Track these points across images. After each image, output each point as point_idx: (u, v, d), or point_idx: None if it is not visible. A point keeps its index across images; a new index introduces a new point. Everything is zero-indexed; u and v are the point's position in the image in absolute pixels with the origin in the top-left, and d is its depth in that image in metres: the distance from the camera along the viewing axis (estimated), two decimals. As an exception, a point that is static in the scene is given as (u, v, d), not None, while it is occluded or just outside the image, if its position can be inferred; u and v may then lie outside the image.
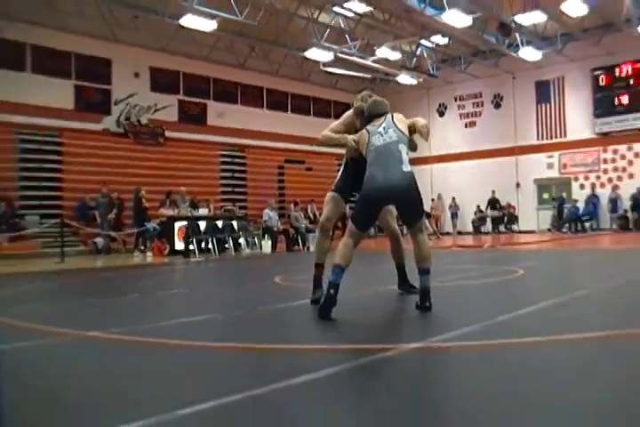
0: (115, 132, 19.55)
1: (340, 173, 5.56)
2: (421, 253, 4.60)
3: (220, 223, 15.29)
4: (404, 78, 24.25)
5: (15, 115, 16.95)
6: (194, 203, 16.57)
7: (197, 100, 22.18)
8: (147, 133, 20.14)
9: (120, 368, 3.08)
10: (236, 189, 21.09)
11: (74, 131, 18.24)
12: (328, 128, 5.32)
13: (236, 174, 22.15)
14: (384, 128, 4.83)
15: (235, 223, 15.82)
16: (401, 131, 4.83)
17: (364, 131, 4.90)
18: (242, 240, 15.82)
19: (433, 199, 25.03)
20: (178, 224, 15.01)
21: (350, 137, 5.05)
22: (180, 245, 14.70)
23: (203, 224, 14.88)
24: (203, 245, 14.88)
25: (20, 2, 17.26)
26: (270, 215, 15.91)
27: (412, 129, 4.88)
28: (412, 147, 4.97)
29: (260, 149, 22.86)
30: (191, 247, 14.31)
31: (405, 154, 4.71)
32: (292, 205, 17.97)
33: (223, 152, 22.16)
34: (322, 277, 5.06)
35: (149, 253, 14.71)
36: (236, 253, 15.11)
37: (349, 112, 5.32)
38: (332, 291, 4.28)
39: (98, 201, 15.91)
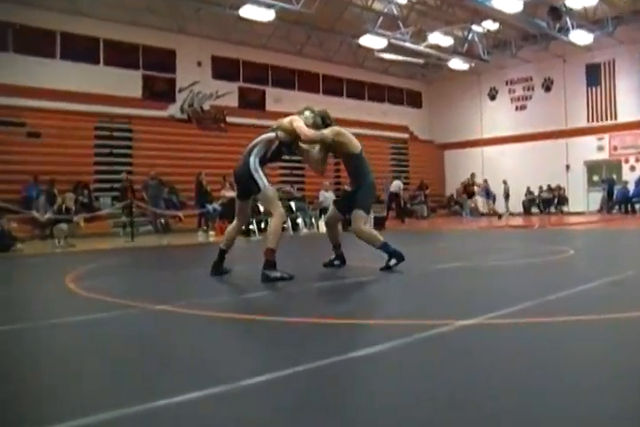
0: (179, 118, 19.83)
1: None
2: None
3: (278, 204, 15.31)
4: (456, 63, 23.72)
5: (93, 104, 17.35)
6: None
7: (256, 86, 22.28)
8: (209, 119, 20.35)
9: (190, 340, 3.10)
10: (295, 172, 21.10)
11: (143, 118, 18.55)
12: (304, 128, 5.49)
13: (295, 157, 22.11)
14: None
15: (293, 204, 15.83)
16: None
17: (341, 129, 5.64)
18: (299, 220, 15.84)
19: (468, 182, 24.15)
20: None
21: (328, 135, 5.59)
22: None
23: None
24: (262, 225, 14.99)
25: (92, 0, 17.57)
26: (326, 196, 15.89)
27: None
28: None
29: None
30: (251, 227, 14.42)
31: None
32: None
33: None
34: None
35: (212, 233, 14.90)
36: (295, 232, 15.15)
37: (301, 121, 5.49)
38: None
39: (147, 183, 15.89)
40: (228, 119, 20.61)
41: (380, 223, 15.63)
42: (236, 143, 20.18)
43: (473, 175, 23.90)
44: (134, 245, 11.59)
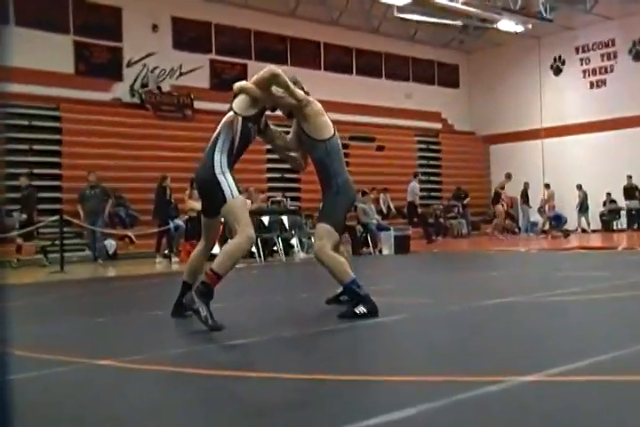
0: (128, 103, 19.95)
1: None
2: None
3: (266, 220, 15.44)
4: (507, 25, 23.86)
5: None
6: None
7: (235, 59, 22.50)
8: (170, 104, 20.51)
9: (138, 399, 3.15)
10: (287, 176, 21.20)
11: (75, 102, 18.58)
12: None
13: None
14: None
15: (285, 219, 15.93)
16: None
17: (313, 101, 5.79)
18: (294, 241, 15.93)
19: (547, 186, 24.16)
20: (211, 221, 15.20)
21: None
22: (216, 248, 14.86)
23: (244, 221, 14.97)
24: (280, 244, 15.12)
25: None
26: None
27: None
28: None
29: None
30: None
31: None
32: (359, 196, 17.96)
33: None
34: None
35: (175, 259, 15.00)
36: (288, 257, 15.23)
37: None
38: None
39: (84, 192, 15.91)
40: (196, 104, 20.75)
41: (402, 246, 15.69)
42: (206, 137, 20.27)
43: (526, 186, 23.86)
44: (65, 278, 11.63)
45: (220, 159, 5.26)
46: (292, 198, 20.25)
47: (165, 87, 20.64)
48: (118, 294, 9.38)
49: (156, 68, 20.57)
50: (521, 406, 2.85)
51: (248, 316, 6.24)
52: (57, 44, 18.91)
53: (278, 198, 18.54)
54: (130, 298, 8.72)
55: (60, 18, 19.14)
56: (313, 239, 16.00)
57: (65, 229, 14.19)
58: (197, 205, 15.77)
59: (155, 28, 20.88)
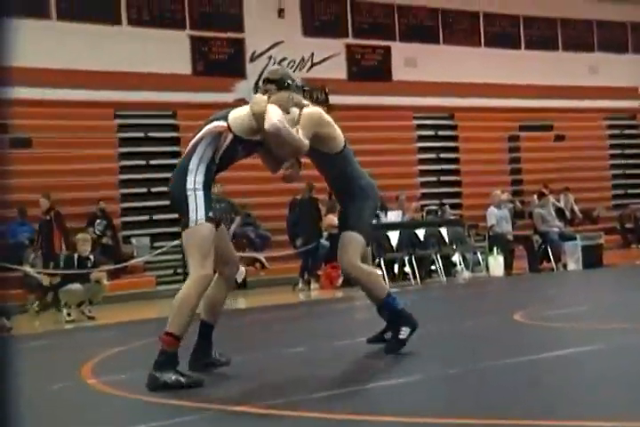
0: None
1: None
2: None
3: (421, 233, 15.33)
4: None
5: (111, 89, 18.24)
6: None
7: (375, 42, 22.55)
8: (302, 101, 20.71)
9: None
10: (444, 179, 21.06)
11: (193, 106, 19.05)
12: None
13: (442, 155, 22.19)
14: None
15: (444, 232, 15.80)
16: None
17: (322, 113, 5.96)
18: (456, 257, 15.81)
19: None
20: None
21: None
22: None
23: (395, 236, 14.97)
24: (396, 267, 15.02)
25: None
26: (498, 216, 15.71)
27: None
28: None
29: (477, 111, 22.73)
30: (379, 272, 14.44)
31: None
32: (534, 198, 17.60)
33: (419, 121, 22.30)
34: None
35: (315, 285, 15.22)
36: (448, 277, 15.13)
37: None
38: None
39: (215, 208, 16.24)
40: (332, 99, 20.84)
41: (593, 258, 15.25)
42: (347, 138, 20.35)
43: None
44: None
45: (195, 172, 5.20)
46: (452, 206, 19.93)
47: (296, 82, 20.78)
48: (252, 328, 9.55)
49: (283, 59, 20.84)
50: None
51: (402, 351, 6.22)
52: (172, 41, 19.59)
53: (435, 207, 18.41)
54: (266, 333, 8.87)
55: (175, 11, 19.86)
56: (479, 255, 15.97)
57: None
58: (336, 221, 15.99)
59: (281, 12, 21.16)
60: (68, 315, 11.77)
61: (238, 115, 5.37)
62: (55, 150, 17.70)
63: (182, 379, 4.93)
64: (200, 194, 5.14)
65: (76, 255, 12.31)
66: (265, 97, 5.45)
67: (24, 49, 16.64)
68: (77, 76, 17.69)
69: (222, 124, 5.31)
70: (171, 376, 4.91)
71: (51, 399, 5.17)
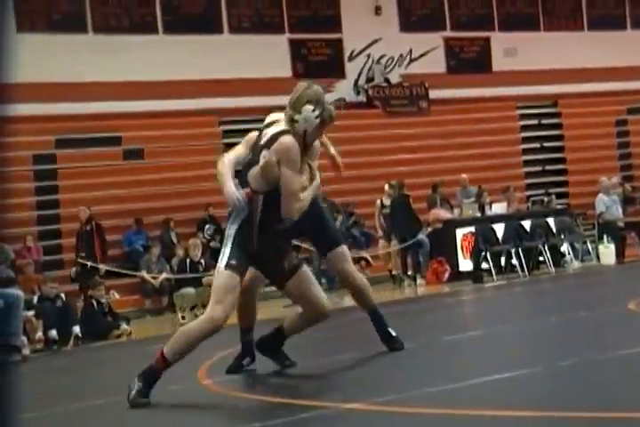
0: (353, 102, 20.51)
1: None
2: None
3: (527, 224, 15.30)
4: None
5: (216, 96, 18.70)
6: (481, 195, 16.68)
7: (474, 33, 22.46)
8: (401, 98, 20.75)
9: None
10: (549, 168, 20.86)
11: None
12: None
13: (546, 143, 21.91)
14: None
15: (552, 222, 15.73)
16: None
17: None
18: (565, 247, 15.70)
19: None
20: (461, 231, 15.36)
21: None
22: (465, 265, 15.09)
23: (500, 228, 14.97)
24: (503, 260, 15.07)
25: None
26: (607, 203, 15.50)
27: None
28: None
29: (582, 96, 22.35)
30: (484, 266, 14.57)
31: None
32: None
33: (522, 111, 22.04)
34: None
35: (421, 281, 15.24)
36: (557, 268, 14.99)
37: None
38: None
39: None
40: (432, 94, 20.81)
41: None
42: (446, 133, 20.26)
43: None
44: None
45: (229, 227, 5.46)
46: (558, 195, 19.66)
47: (394, 78, 20.86)
48: (362, 326, 9.70)
49: (382, 57, 20.90)
50: None
51: (513, 344, 6.33)
52: (271, 45, 19.94)
53: (541, 197, 18.24)
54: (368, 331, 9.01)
55: (274, 16, 20.21)
56: (589, 244, 15.75)
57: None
58: (444, 214, 16.03)
59: (378, 10, 21.14)
60: (183, 318, 12.21)
61: (256, 173, 5.38)
62: (165, 159, 18.29)
63: (135, 396, 5.06)
64: (228, 245, 5.34)
65: (188, 260, 12.74)
66: (274, 159, 5.32)
67: (136, 64, 17.50)
68: (182, 86, 18.21)
69: (247, 191, 5.36)
70: (134, 387, 5.06)
71: (169, 400, 5.35)
